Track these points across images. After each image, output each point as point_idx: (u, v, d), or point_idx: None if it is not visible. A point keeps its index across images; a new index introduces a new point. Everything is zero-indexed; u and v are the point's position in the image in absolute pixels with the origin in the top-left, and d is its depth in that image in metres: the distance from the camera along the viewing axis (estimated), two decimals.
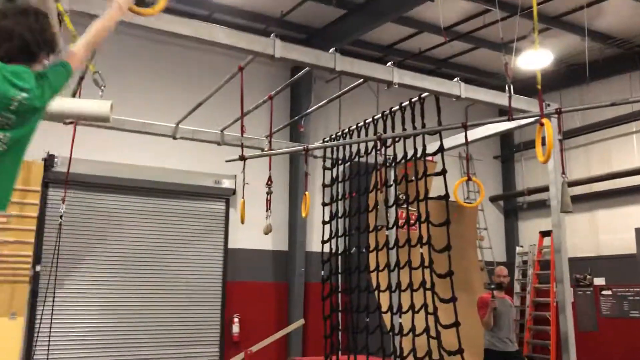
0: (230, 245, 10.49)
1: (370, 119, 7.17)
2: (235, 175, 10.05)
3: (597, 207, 11.73)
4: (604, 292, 11.33)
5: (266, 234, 6.74)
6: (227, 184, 10.29)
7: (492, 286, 6.37)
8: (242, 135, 5.97)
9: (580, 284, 11.66)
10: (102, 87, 4.18)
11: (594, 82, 11.13)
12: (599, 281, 11.44)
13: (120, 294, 9.47)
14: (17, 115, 2.16)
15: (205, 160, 9.82)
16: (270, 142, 6.54)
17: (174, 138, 7.06)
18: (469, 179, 5.18)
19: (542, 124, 4.18)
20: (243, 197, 6.47)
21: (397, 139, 6.83)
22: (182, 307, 9.91)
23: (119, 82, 9.88)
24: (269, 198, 6.52)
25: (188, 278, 10.02)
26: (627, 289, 10.95)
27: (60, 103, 4.18)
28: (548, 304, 11.26)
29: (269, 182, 6.51)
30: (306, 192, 6.53)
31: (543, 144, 4.34)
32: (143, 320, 9.56)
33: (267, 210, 6.58)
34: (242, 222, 6.40)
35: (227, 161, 6.24)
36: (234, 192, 10.30)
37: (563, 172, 5.32)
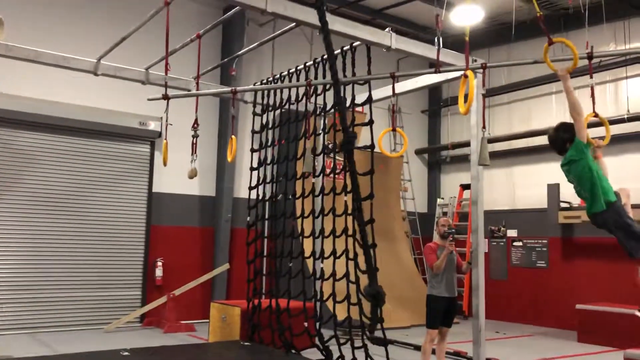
0: (155, 189, 10.28)
1: (302, 66, 7.08)
2: (162, 117, 9.68)
3: (515, 164, 12.31)
4: (515, 244, 12.05)
5: (191, 178, 6.61)
6: (152, 125, 9.98)
7: (450, 232, 6.43)
8: (166, 74, 5.76)
9: (494, 235, 12.33)
10: None
11: (520, 42, 11.45)
12: (512, 233, 12.14)
13: (40, 235, 9.14)
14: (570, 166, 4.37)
15: (130, 100, 9.43)
16: (197, 82, 6.33)
17: (96, 74, 6.70)
18: (394, 129, 5.25)
19: (466, 76, 4.28)
20: (166, 139, 6.30)
21: (327, 87, 6.80)
22: (104, 250, 9.70)
23: (38, 10, 9.25)
24: (194, 141, 6.37)
25: (110, 221, 9.79)
26: (536, 241, 11.69)
27: None
28: (464, 254, 11.84)
29: (195, 125, 6.35)
30: (232, 136, 6.43)
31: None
32: (64, 262, 9.31)
33: (192, 154, 6.44)
34: (165, 164, 6.26)
35: (149, 99, 6.00)
36: (159, 134, 10.01)
37: (484, 127, 5.53)
